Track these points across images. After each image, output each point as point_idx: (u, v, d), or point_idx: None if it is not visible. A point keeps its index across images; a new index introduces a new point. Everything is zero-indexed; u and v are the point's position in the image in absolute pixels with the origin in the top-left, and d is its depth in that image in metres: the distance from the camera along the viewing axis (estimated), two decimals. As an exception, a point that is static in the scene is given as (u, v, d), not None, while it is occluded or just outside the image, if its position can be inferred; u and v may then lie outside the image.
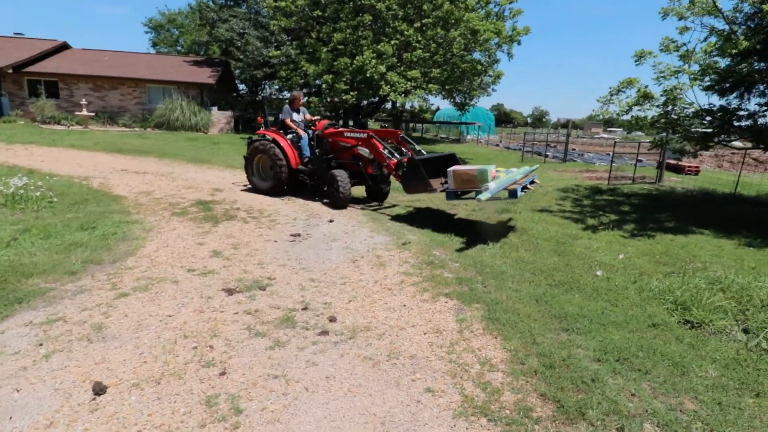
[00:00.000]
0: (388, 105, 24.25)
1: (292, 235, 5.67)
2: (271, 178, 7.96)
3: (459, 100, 21.03)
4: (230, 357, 2.86)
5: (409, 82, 14.95)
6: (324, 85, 16.21)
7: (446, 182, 6.38)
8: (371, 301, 3.82)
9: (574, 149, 28.15)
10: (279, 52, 19.87)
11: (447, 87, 17.90)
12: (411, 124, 43.39)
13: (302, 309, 3.59)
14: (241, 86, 33.78)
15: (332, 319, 3.44)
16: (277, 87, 30.18)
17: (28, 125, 19.02)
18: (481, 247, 5.70)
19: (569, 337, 3.29)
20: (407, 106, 17.10)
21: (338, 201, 7.26)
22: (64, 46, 24.85)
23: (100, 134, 17.76)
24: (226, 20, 26.08)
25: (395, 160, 6.98)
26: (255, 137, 8.26)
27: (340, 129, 8.07)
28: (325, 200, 7.79)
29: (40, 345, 2.87)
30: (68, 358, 2.75)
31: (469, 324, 3.46)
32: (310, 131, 8.09)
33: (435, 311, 3.68)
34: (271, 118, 8.84)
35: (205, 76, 23.70)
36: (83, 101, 20.74)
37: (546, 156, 21.69)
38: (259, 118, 8.74)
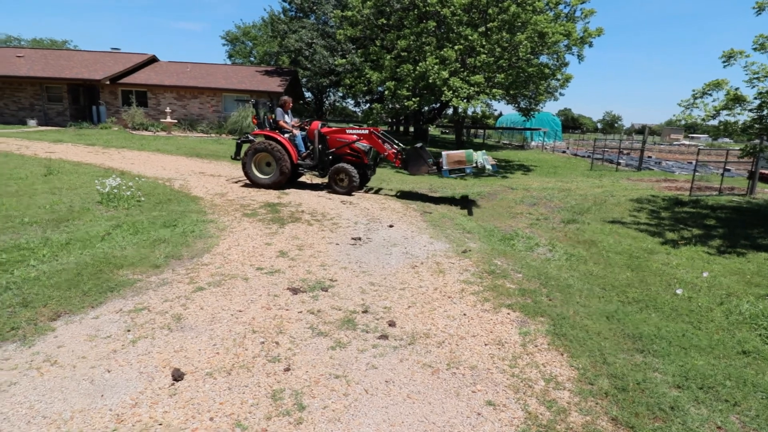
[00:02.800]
0: (450, 111, 24.07)
1: (353, 238, 5.79)
2: (274, 173, 8.88)
3: (524, 105, 20.44)
4: (294, 354, 2.97)
5: (472, 87, 14.76)
6: (387, 92, 16.43)
7: (434, 165, 8.65)
8: (431, 308, 3.80)
9: (650, 157, 26.22)
10: (344, 60, 20.46)
11: (511, 92, 17.46)
12: (472, 130, 42.72)
13: (362, 312, 3.65)
14: (308, 94, 35.17)
15: (392, 324, 3.47)
16: (341, 94, 31.06)
17: (121, 131, 21.07)
18: (545, 258, 5.48)
19: (645, 359, 3.06)
20: (469, 112, 16.84)
21: (351, 189, 8.79)
22: (152, 60, 27.28)
23: (182, 139, 19.25)
24: (296, 31, 27.32)
25: (394, 151, 8.86)
26: (249, 137, 9.41)
27: (341, 127, 9.66)
28: (330, 190, 8.98)
29: (128, 331, 3.16)
30: (152, 345, 2.99)
31: (533, 338, 3.33)
32: (304, 131, 9.33)
33: (497, 322, 3.58)
34: (344, 125, 9.59)
35: (275, 84, 24.91)
36: (168, 109, 22.60)
37: (618, 164, 20.40)
38: (253, 119, 9.64)
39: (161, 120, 22.48)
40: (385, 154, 8.94)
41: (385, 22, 17.84)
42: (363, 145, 9.00)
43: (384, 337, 3.27)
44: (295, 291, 4.00)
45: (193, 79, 24.72)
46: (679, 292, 4.48)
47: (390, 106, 17.75)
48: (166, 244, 4.95)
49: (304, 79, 30.04)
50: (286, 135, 9.00)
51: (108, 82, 22.89)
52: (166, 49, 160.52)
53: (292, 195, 8.47)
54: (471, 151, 8.54)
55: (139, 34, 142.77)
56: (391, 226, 6.54)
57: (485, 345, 3.22)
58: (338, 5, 24.79)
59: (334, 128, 9.41)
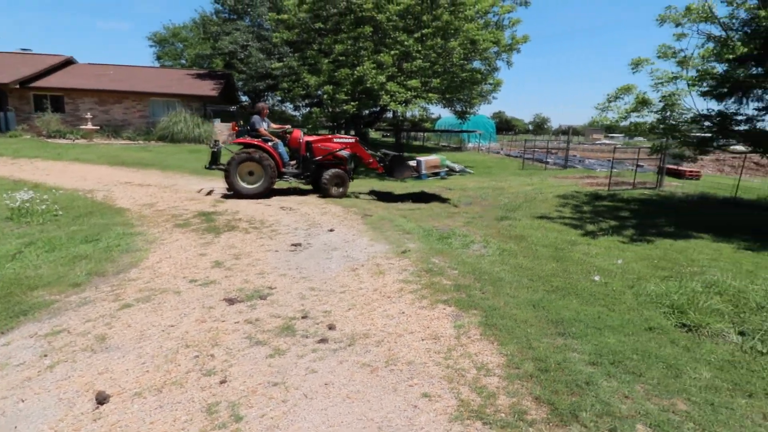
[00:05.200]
0: (389, 114, 24.46)
1: (292, 244, 5.74)
2: (262, 181, 8.81)
3: (459, 108, 21.20)
4: (231, 365, 2.91)
5: (408, 92, 15.09)
6: (325, 96, 16.37)
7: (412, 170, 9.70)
8: (370, 308, 3.88)
9: (574, 155, 28.19)
10: (281, 64, 20.12)
11: (447, 96, 18.06)
12: (411, 133, 43.59)
13: (302, 317, 3.65)
14: (244, 98, 34.16)
15: (331, 327, 3.50)
16: (279, 98, 30.49)
17: (33, 140, 19.28)
18: (480, 254, 5.75)
19: (565, 341, 3.33)
20: (407, 116, 17.22)
21: (345, 193, 9.42)
22: (69, 62, 25.24)
23: (104, 147, 17.98)
24: (229, 33, 26.48)
25: (376, 159, 9.81)
26: (219, 145, 9.42)
27: (328, 135, 10.09)
28: (321, 195, 9.35)
29: (45, 356, 2.94)
30: (72, 369, 2.81)
31: (466, 330, 3.50)
32: (285, 139, 9.51)
33: (433, 318, 3.72)
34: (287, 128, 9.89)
35: (208, 88, 23.98)
36: (88, 115, 21.01)
37: (546, 163, 21.74)
38: (233, 126, 9.50)
39: (81, 127, 20.87)
40: (370, 161, 9.79)
41: (321, 26, 17.75)
42: (345, 152, 9.56)
43: (323, 340, 3.29)
44: (231, 301, 3.91)
45: (116, 83, 23.20)
46: (596, 278, 4.90)
47: (329, 110, 17.69)
48: (88, 261, 4.64)
49: (240, 83, 29.16)
50: (270, 143, 9.00)
51: (17, 86, 20.88)
52: (87, 50, 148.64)
53: (229, 203, 8.22)
54: (443, 156, 10.30)
55: (54, 34, 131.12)
56: (331, 231, 6.55)
57: (422, 340, 3.34)
58: (273, 8, 24.34)
59: (317, 136, 9.86)
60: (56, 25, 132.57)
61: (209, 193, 9.24)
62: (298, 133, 9.53)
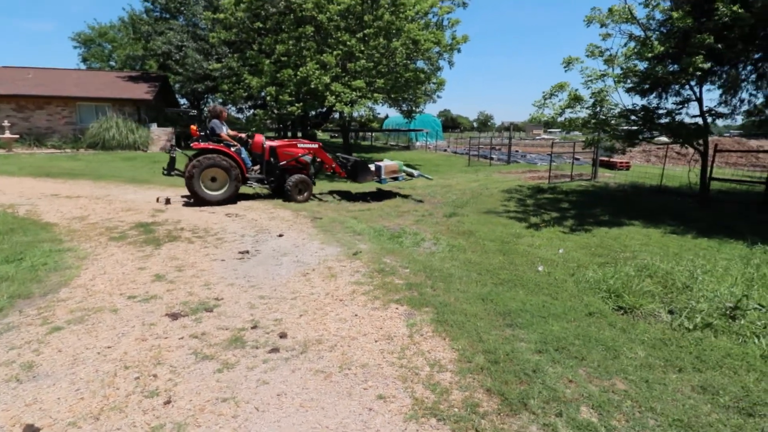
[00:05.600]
0: (336, 115, 24.32)
1: (240, 252, 5.55)
2: (228, 188, 8.63)
3: (405, 107, 21.44)
4: (176, 384, 2.76)
5: (354, 92, 15.07)
6: (268, 98, 16.01)
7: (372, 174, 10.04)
8: (323, 313, 3.82)
9: (517, 151, 29.40)
10: (220, 64, 19.41)
11: (392, 96, 18.22)
12: (360, 133, 43.62)
13: (252, 328, 3.53)
14: (183, 101, 32.66)
15: (283, 336, 3.41)
16: (220, 100, 29.44)
17: (-60, 151, 17.39)
18: (430, 251, 5.84)
19: (513, 332, 3.45)
20: (354, 116, 17.21)
21: (308, 198, 9.41)
22: (-20, 65, 22.97)
23: (27, 158, 16.54)
24: (162, 33, 25.18)
25: (338, 163, 10.14)
26: (176, 150, 9.10)
27: (292, 141, 10.20)
28: (286, 199, 9.25)
29: (-40, 391, 2.64)
30: (-7, 403, 2.55)
31: (419, 328, 3.54)
32: (246, 144, 9.41)
33: (386, 318, 3.73)
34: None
35: (142, 91, 22.71)
36: (5, 123, 19.22)
37: (491, 159, 22.51)
38: (193, 130, 8.99)
39: (-2, 136, 19.08)
40: (333, 165, 10.12)
41: (261, 25, 17.29)
42: (308, 157, 9.71)
43: (275, 350, 3.20)
44: (174, 316, 3.71)
45: (37, 87, 21.41)
46: (540, 269, 5.12)
47: (274, 112, 17.30)
48: (10, 283, 4.23)
49: (177, 85, 27.86)
50: (233, 149, 8.85)
51: None
52: (4, 53, 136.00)
53: (170, 212, 7.82)
54: (401, 162, 10.87)
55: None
56: (280, 236, 6.40)
57: (375, 342, 3.33)
58: (209, 6, 23.42)
59: (281, 141, 9.94)
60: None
61: (167, 201, 8.69)
62: (260, 138, 9.44)
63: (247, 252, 5.57)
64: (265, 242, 6.05)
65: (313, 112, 22.00)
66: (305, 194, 9.38)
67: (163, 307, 3.86)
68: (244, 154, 9.11)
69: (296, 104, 15.66)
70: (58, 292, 4.14)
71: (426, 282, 4.57)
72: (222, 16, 16.95)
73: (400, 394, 2.68)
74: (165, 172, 8.88)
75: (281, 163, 9.38)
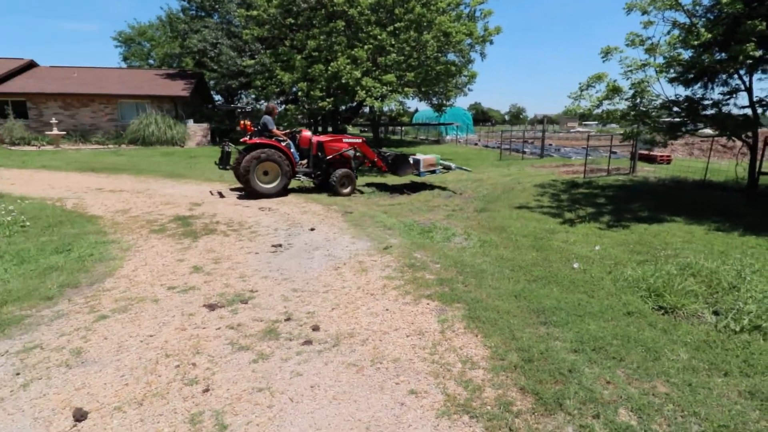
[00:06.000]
0: (366, 110, 24.36)
1: (273, 246, 5.66)
2: (279, 180, 9.07)
3: (436, 101, 21.24)
4: (214, 373, 2.85)
5: (384, 87, 15.02)
6: (300, 93, 16.18)
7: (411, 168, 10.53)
8: (354, 307, 3.86)
9: (551, 144, 28.62)
10: (253, 61, 19.78)
11: (423, 89, 18.06)
12: (390, 128, 43.55)
13: (285, 320, 3.60)
14: (217, 97, 33.51)
15: (316, 328, 3.46)
16: (253, 96, 30.02)
17: (-4, 148, 18.53)
18: (461, 246, 5.79)
19: (547, 330, 3.38)
20: (384, 110, 17.19)
21: (352, 192, 9.77)
22: (31, 65, 24.28)
23: (73, 153, 17.41)
24: (198, 31, 25.87)
25: (380, 157, 10.52)
26: (230, 145, 9.52)
27: (337, 136, 10.52)
28: (331, 194, 9.55)
29: (17, 374, 2.82)
30: (47, 386, 2.71)
31: (450, 324, 3.52)
32: (295, 139, 9.78)
33: (417, 313, 3.73)
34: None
35: (179, 88, 23.43)
36: (53, 120, 20.27)
37: (524, 152, 22.02)
38: (247, 125, 9.61)
39: (46, 132, 20.16)
40: (375, 159, 10.50)
41: (293, 21, 17.47)
42: (351, 152, 10.11)
43: (308, 342, 3.26)
44: (212, 307, 3.83)
45: (82, 86, 22.44)
46: (575, 266, 4.98)
47: (305, 107, 17.49)
48: (60, 272, 4.47)
49: (212, 82, 28.58)
50: (284, 143, 9.29)
51: (-25, 93, 20.01)
52: (50, 53, 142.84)
53: (206, 206, 8.06)
54: (439, 156, 11.26)
55: (14, 37, 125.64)
56: (312, 230, 6.49)
57: (407, 337, 3.34)
58: (243, 4, 23.86)
59: (328, 136, 10.27)
60: (15, 28, 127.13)
61: (221, 195, 9.32)
62: (308, 134, 9.94)
63: (280, 245, 5.68)
64: (298, 236, 6.15)
65: (344, 107, 22.12)
66: (349, 188, 9.69)
67: (201, 298, 3.99)
68: (293, 149, 9.50)
69: (327, 99, 15.76)
70: (104, 282, 4.34)
71: (457, 277, 4.54)
72: (255, 12, 17.22)
73: (432, 389, 2.67)
74: (219, 166, 9.69)
75: (328, 158, 9.75)
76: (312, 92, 15.59)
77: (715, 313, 3.72)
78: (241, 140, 9.43)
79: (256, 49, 22.69)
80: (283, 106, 26.38)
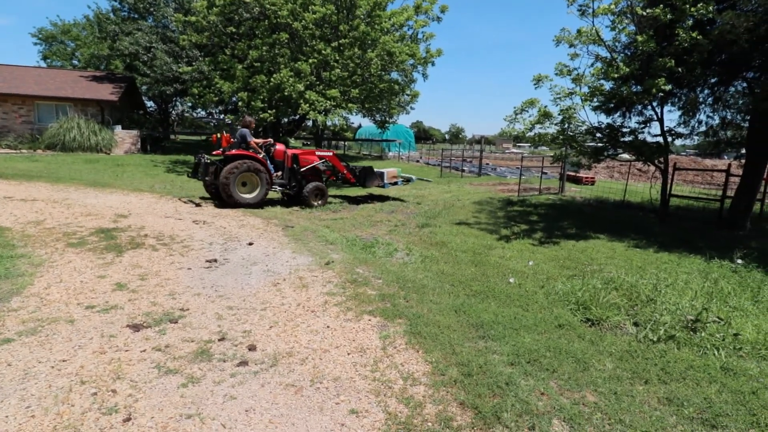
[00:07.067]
0: (310, 123, 24.18)
1: (207, 261, 5.37)
2: (259, 191, 9.32)
3: (379, 118, 21.55)
4: (136, 400, 2.61)
5: (328, 101, 15.02)
6: (240, 103, 15.73)
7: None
8: (294, 325, 3.73)
9: (488, 164, 29.99)
10: (190, 68, 18.97)
11: (367, 106, 18.27)
12: (333, 142, 43.53)
13: (219, 340, 3.40)
14: (149, 103, 31.73)
15: (252, 348, 3.30)
16: (189, 104, 28.78)
17: None
18: (403, 262, 5.83)
19: (486, 344, 3.46)
20: (328, 124, 17.16)
21: (324, 203, 10.19)
22: (-71, 57, 21.63)
23: (-22, 157, 15.60)
24: (130, 33, 24.45)
25: (348, 170, 11.13)
26: (205, 156, 9.59)
27: (311, 149, 11.40)
28: (304, 206, 9.92)
29: None
30: (-71, 424, 2.33)
31: (392, 340, 3.50)
32: (270, 151, 10.04)
33: (359, 330, 3.67)
34: (196, 137, 9.89)
35: (107, 92, 21.92)
36: (-45, 120, 18.12)
37: (462, 171, 22.87)
38: (224, 138, 9.93)
39: (-54, 133, 17.94)
40: (345, 172, 11.06)
41: (234, 30, 17.03)
42: (321, 165, 10.56)
43: (243, 363, 3.09)
44: (136, 328, 3.53)
45: (-8, 84, 20.32)
46: (511, 280, 5.19)
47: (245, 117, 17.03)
48: (-46, 291, 3.93)
49: (144, 87, 27.04)
50: (261, 156, 9.55)
51: None
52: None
53: (133, 218, 7.51)
54: (400, 169, 12.47)
55: None
56: (250, 244, 6.24)
57: (348, 354, 3.27)
58: (180, 9, 22.94)
59: (301, 150, 10.83)
60: None
61: (198, 205, 9.20)
62: (282, 147, 10.27)
63: (215, 260, 5.40)
64: (235, 251, 5.88)
65: (286, 119, 21.80)
66: (321, 200, 10.15)
67: (125, 318, 3.67)
68: (269, 161, 9.76)
69: (269, 111, 15.47)
70: (9, 301, 3.87)
71: (399, 293, 4.54)
72: (194, 18, 16.61)
73: (373, 408, 2.62)
74: (191, 175, 9.99)
75: (302, 170, 10.12)
76: (253, 103, 15.23)
77: (636, 324, 4.02)
78: (214, 153, 9.80)
79: (193, 55, 21.84)
80: (222, 116, 25.51)
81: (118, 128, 21.21)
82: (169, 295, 4.23)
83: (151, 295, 4.18)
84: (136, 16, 26.57)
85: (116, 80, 24.25)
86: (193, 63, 19.95)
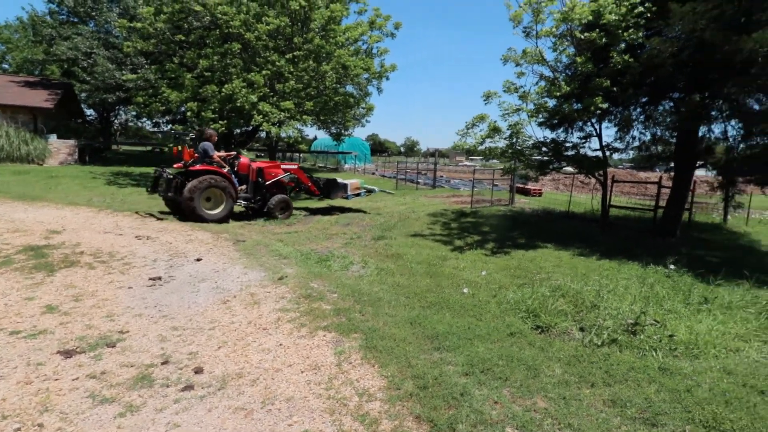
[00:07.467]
0: (263, 134, 23.72)
1: (151, 279, 5.07)
2: (225, 206, 9.15)
3: (335, 130, 21.52)
4: (66, 434, 2.39)
5: (282, 113, 14.81)
6: (189, 113, 15.19)
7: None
8: (244, 344, 3.57)
9: (442, 176, 30.63)
10: (135, 75, 18.14)
11: (322, 118, 18.19)
12: (288, 154, 42.96)
13: (162, 363, 3.19)
14: (89, 111, 30.00)
15: (198, 371, 3.12)
16: (134, 113, 27.48)
17: None
18: (359, 275, 5.78)
19: (441, 355, 3.47)
20: (282, 136, 16.90)
21: (289, 216, 10.24)
22: None
23: None
24: (69, 38, 23.09)
25: (312, 182, 11.41)
26: (165, 171, 9.14)
27: (276, 162, 11.24)
28: (268, 218, 9.88)
29: None
30: None
31: (347, 355, 3.43)
32: (234, 164, 9.88)
33: (313, 347, 3.58)
34: (141, 148, 9.42)
35: (40, 99, 20.52)
36: None
37: (417, 183, 23.22)
38: (187, 152, 9.49)
39: None
40: (309, 185, 11.28)
41: (183, 38, 16.49)
42: (286, 177, 10.63)
43: (189, 387, 2.91)
44: (68, 354, 3.25)
45: None
46: (465, 291, 5.28)
47: (194, 128, 16.45)
48: None
49: (84, 94, 25.52)
50: (225, 170, 9.37)
51: None
52: None
53: (67, 234, 6.99)
54: (362, 180, 13.00)
55: None
56: (198, 260, 5.97)
57: (302, 372, 3.17)
58: (125, 14, 21.97)
59: (266, 162, 10.70)
60: None
61: (159, 219, 8.82)
62: (246, 160, 10.16)
63: (159, 278, 5.11)
64: (181, 267, 5.60)
65: (238, 130, 21.28)
66: (286, 213, 10.15)
67: (55, 344, 3.37)
68: (233, 175, 9.61)
69: (220, 121, 15.03)
70: None
71: (354, 307, 4.49)
72: (140, 25, 15.95)
73: (327, 428, 2.54)
74: (155, 191, 9.42)
75: (267, 183, 10.04)
76: (203, 113, 14.76)
77: (581, 329, 4.19)
78: (175, 165, 9.43)
79: (139, 62, 20.90)
80: (169, 126, 24.52)
81: (53, 137, 19.84)
82: (107, 316, 3.94)
83: (85, 318, 3.88)
84: (75, 20, 25.16)
85: (52, 86, 22.77)
86: (138, 70, 19.10)
